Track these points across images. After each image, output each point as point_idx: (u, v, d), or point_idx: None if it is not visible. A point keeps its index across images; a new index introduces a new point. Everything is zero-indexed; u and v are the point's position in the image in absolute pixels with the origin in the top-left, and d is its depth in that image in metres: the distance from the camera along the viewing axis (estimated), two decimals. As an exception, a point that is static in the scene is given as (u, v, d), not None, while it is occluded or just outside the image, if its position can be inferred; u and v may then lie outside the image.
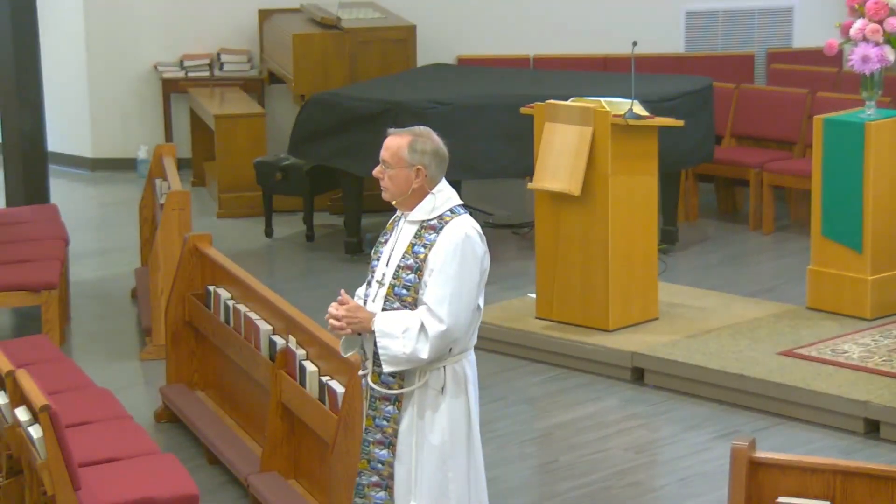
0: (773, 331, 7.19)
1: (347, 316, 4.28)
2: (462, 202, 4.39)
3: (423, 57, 10.25)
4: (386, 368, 4.26)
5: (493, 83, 9.01)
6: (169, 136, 11.04)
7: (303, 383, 5.43)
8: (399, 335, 4.23)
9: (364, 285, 4.47)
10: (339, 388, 5.15)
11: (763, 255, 8.87)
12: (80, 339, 7.76)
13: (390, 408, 4.31)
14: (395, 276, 4.30)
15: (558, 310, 7.30)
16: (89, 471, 4.91)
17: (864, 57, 7.17)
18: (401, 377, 4.29)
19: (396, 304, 4.29)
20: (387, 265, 4.34)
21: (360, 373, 4.39)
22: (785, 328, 7.21)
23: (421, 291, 4.26)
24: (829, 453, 6.00)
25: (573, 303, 7.32)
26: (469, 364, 4.35)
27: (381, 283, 4.34)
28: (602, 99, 7.28)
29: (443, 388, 4.26)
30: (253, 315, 6.01)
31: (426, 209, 4.33)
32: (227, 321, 6.23)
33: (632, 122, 7.12)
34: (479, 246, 4.29)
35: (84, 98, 11.04)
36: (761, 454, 3.96)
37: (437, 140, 4.33)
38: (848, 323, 7.24)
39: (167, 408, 6.64)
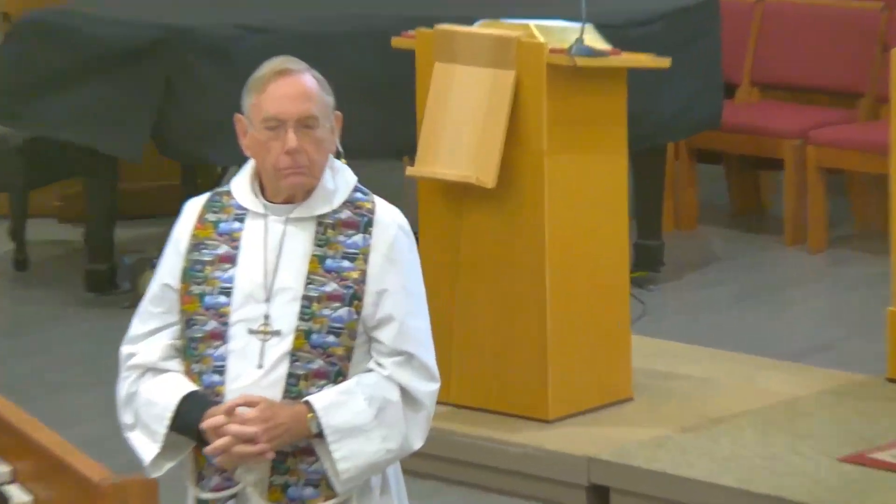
0: (830, 419, 6.01)
1: (268, 427, 3.30)
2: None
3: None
4: (343, 487, 3.37)
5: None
6: None
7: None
8: (371, 425, 3.40)
9: (170, 356, 3.41)
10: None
11: (809, 288, 7.41)
12: None
13: None
14: (309, 316, 3.38)
15: (460, 387, 6.04)
16: None
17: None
18: (326, 483, 3.44)
19: (319, 363, 3.39)
20: (266, 301, 3.38)
21: (218, 495, 3.41)
22: (850, 414, 6.04)
23: (372, 332, 3.38)
24: None
25: (486, 373, 6.04)
26: None
27: (273, 333, 3.38)
28: (532, 22, 6.01)
29: (382, 487, 3.52)
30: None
31: (327, 195, 3.38)
32: None
33: (582, 61, 5.80)
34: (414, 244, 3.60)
35: None
36: None
37: None
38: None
39: None
